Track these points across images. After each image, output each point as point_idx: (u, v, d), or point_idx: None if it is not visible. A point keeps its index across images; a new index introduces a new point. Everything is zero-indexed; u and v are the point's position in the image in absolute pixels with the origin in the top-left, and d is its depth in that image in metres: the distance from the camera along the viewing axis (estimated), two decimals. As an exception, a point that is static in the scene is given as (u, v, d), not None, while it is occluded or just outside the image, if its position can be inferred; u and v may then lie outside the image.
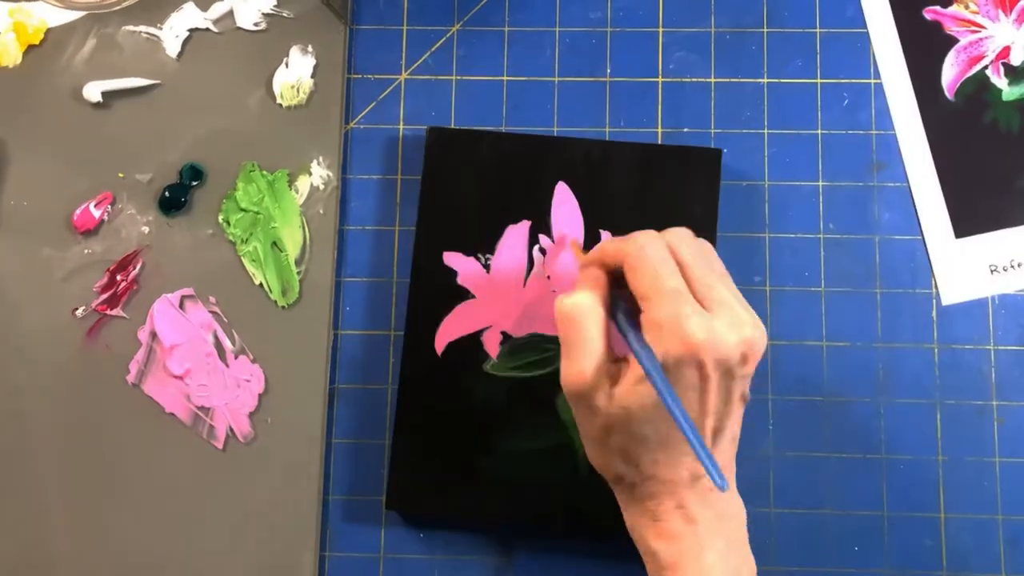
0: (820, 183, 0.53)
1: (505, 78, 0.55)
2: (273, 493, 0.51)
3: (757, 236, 0.52)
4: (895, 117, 0.53)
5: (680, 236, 0.42)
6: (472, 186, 0.52)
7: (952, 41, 0.53)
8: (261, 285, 0.53)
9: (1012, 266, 0.51)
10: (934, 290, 0.52)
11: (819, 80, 0.54)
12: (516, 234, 0.51)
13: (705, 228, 0.50)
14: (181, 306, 0.53)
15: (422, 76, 0.55)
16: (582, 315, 0.40)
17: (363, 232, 0.54)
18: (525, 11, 0.55)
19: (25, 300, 0.53)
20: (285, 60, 0.55)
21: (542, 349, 0.50)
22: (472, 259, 0.51)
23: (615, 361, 0.41)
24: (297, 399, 0.52)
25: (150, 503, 0.51)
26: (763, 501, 0.50)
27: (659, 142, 0.53)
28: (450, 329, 0.50)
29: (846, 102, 0.53)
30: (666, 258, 0.40)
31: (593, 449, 0.42)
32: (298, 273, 0.53)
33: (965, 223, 0.52)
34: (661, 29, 0.55)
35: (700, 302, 0.39)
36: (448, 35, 0.55)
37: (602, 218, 0.51)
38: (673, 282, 0.39)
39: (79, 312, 0.53)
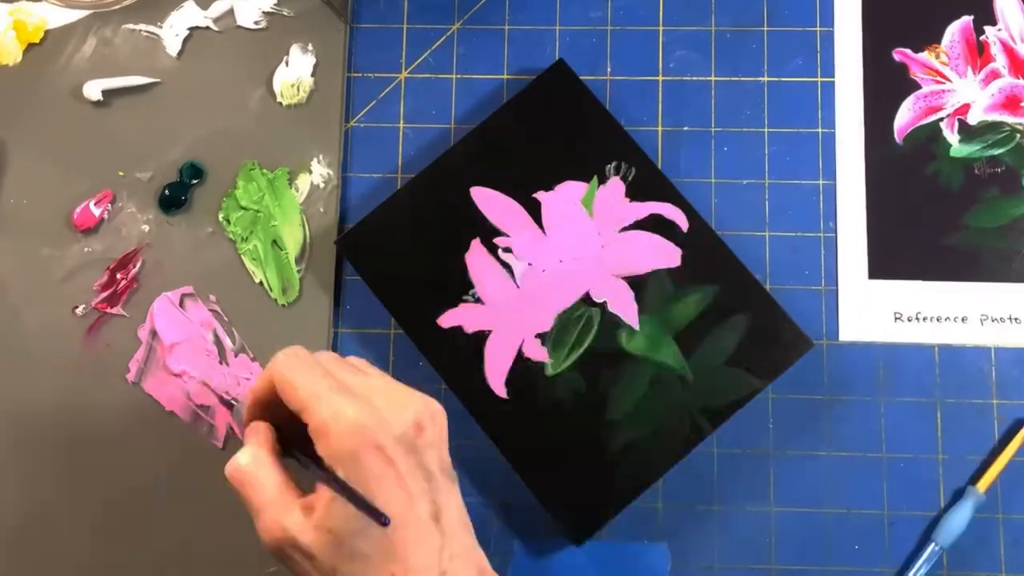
0: (820, 182, 0.53)
1: (505, 76, 0.55)
2: (273, 492, 0.51)
3: (757, 235, 0.52)
4: (839, 144, 0.53)
5: (304, 351, 0.40)
6: (409, 251, 0.51)
7: (914, 87, 0.53)
8: (261, 283, 0.53)
9: (917, 318, 0.51)
10: (934, 289, 0.52)
11: (819, 79, 0.54)
12: (476, 258, 0.51)
13: (603, 125, 0.52)
14: (181, 304, 0.53)
15: (422, 75, 0.55)
16: (249, 473, 0.39)
17: (363, 231, 0.54)
18: (525, 10, 0.55)
19: (25, 299, 0.53)
20: (285, 59, 0.55)
21: (576, 319, 0.50)
22: (464, 306, 0.51)
23: (305, 496, 0.38)
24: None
25: (150, 502, 0.51)
26: (763, 500, 0.50)
27: (659, 140, 0.53)
28: (495, 369, 0.50)
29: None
30: (311, 363, 0.39)
31: None
32: (298, 271, 0.53)
33: (881, 266, 0.52)
34: (661, 28, 0.55)
35: (355, 397, 0.38)
36: (448, 34, 0.55)
37: (526, 184, 0.51)
38: (322, 384, 0.38)
39: (79, 311, 0.53)
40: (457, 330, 0.51)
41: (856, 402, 0.51)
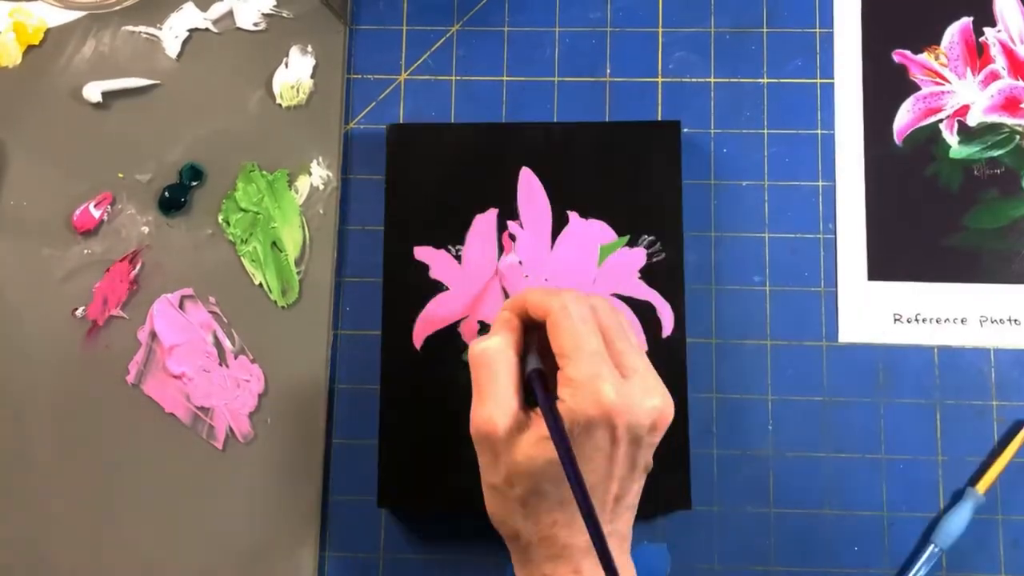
0: (820, 183, 0.53)
1: (505, 78, 0.55)
2: (273, 493, 0.51)
3: (757, 236, 0.52)
4: (839, 146, 0.53)
5: (601, 302, 0.42)
6: (436, 179, 0.52)
7: (913, 88, 0.53)
8: (261, 285, 0.53)
9: (916, 319, 0.51)
10: (934, 290, 0.52)
11: (819, 80, 0.54)
12: (484, 223, 0.51)
13: (669, 202, 0.51)
14: (181, 306, 0.53)
15: (422, 76, 0.55)
16: (494, 360, 0.40)
17: (363, 232, 0.54)
18: (525, 11, 0.55)
19: (25, 300, 0.53)
20: (285, 60, 0.55)
21: None
22: (443, 251, 0.51)
23: (525, 410, 0.40)
24: (297, 399, 0.52)
25: (149, 503, 0.51)
26: (763, 501, 0.50)
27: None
28: (427, 323, 0.51)
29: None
30: (588, 319, 0.40)
31: (493, 499, 0.41)
32: (298, 273, 0.53)
33: (880, 268, 0.52)
34: (661, 29, 0.55)
35: (616, 367, 0.39)
36: (448, 35, 0.55)
37: (568, 199, 0.51)
38: (594, 343, 0.39)
39: (79, 312, 0.53)
40: (422, 267, 0.51)
41: (856, 403, 0.51)
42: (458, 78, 0.55)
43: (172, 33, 0.55)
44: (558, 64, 0.55)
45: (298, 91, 0.54)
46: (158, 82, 0.55)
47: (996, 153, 0.52)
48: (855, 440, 0.51)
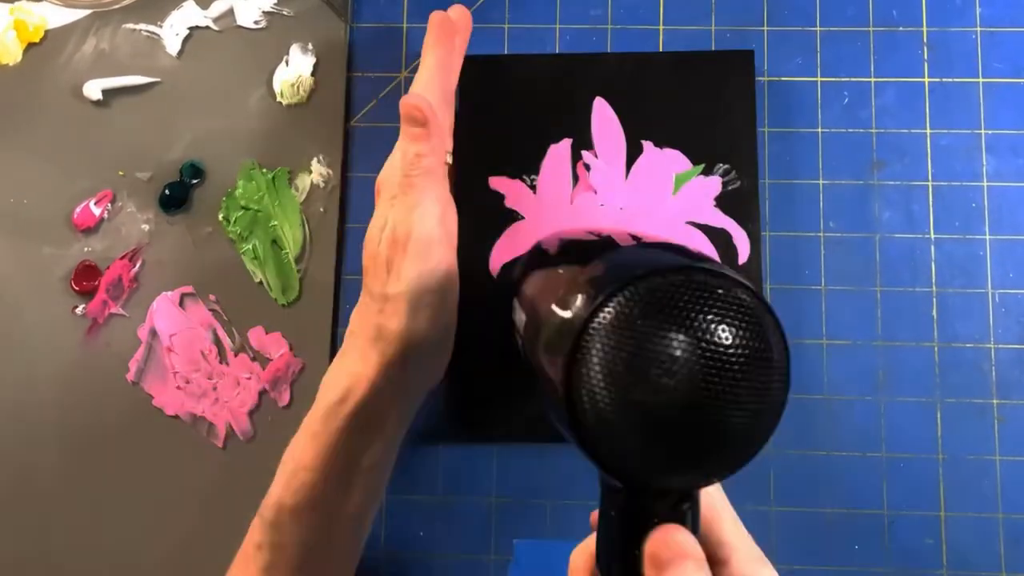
0: (820, 181, 0.53)
1: (505, 76, 0.54)
2: (273, 491, 0.51)
3: (757, 236, 0.52)
4: None
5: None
6: (510, 110, 0.52)
7: None
8: (261, 283, 0.53)
9: None
10: (934, 288, 0.52)
11: (819, 78, 0.54)
12: (558, 153, 0.52)
13: (744, 128, 0.51)
14: (181, 304, 0.53)
15: (422, 74, 0.55)
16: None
17: (364, 230, 0.53)
18: (525, 8, 0.55)
19: (25, 299, 0.53)
20: (285, 58, 0.55)
21: None
22: (518, 181, 0.52)
23: None
24: (297, 397, 0.52)
25: (150, 501, 0.51)
26: (763, 500, 0.50)
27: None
28: (503, 251, 0.51)
29: (846, 100, 0.53)
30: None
31: None
32: (298, 271, 0.53)
33: None
34: (662, 27, 0.55)
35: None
36: (448, 33, 0.55)
37: (642, 129, 0.52)
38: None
39: (79, 310, 0.53)
40: (497, 196, 0.51)
41: (856, 402, 0.51)
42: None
43: (173, 31, 0.55)
44: (559, 62, 0.54)
45: (299, 89, 0.54)
46: (159, 80, 0.55)
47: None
48: (855, 439, 0.51)
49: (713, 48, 0.54)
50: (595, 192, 0.51)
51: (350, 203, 0.54)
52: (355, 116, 0.55)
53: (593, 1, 0.55)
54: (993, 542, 0.50)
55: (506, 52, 0.55)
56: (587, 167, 0.51)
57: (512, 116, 0.52)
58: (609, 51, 0.54)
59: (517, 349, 0.43)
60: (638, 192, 0.51)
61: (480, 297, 0.50)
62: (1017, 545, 0.49)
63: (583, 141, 0.52)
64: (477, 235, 0.51)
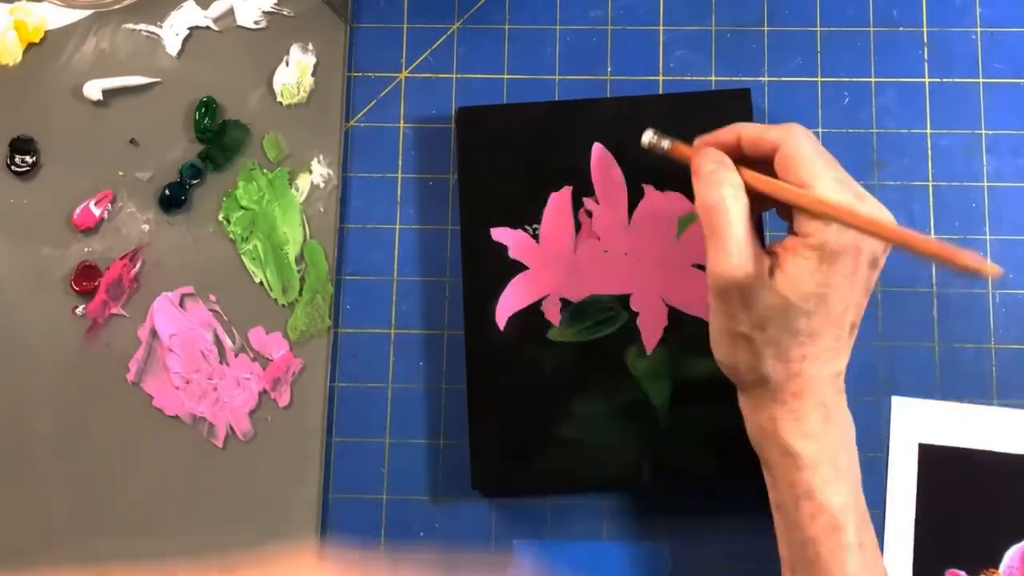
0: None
1: (505, 76, 0.55)
2: (273, 492, 0.51)
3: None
4: None
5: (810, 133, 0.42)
6: (509, 159, 0.52)
7: None
8: (261, 283, 0.53)
9: None
10: (934, 288, 0.52)
11: (819, 79, 0.54)
12: (559, 200, 0.51)
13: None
14: (181, 304, 0.53)
15: (422, 74, 0.55)
16: (730, 205, 0.39)
17: (363, 230, 0.54)
18: (525, 9, 0.55)
19: (25, 299, 0.53)
20: (285, 58, 0.55)
21: (604, 309, 0.50)
22: (520, 231, 0.51)
23: (763, 250, 0.40)
24: (297, 397, 0.52)
25: (150, 501, 0.51)
26: (763, 500, 0.50)
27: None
28: (509, 302, 0.51)
29: (847, 100, 0.53)
30: (820, 148, 0.40)
31: (736, 348, 0.40)
32: (298, 271, 0.53)
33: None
34: (662, 27, 0.55)
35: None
36: (448, 33, 0.55)
37: (642, 172, 0.51)
38: (833, 171, 0.39)
39: (79, 310, 0.53)
40: (500, 247, 0.51)
41: (856, 401, 0.51)
42: (459, 76, 0.55)
43: (173, 31, 0.55)
44: (559, 62, 0.54)
45: (299, 89, 0.54)
46: (159, 80, 0.55)
47: None
48: (856, 438, 0.50)
49: (713, 47, 0.54)
50: (598, 239, 0.51)
51: (350, 203, 0.54)
52: (355, 116, 0.55)
53: (593, 2, 0.55)
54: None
55: (506, 53, 0.55)
56: (589, 214, 0.51)
57: (511, 165, 0.52)
58: (608, 94, 0.54)
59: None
60: (642, 237, 0.51)
61: (489, 349, 0.50)
62: (1017, 545, 0.49)
63: (584, 188, 0.51)
64: (482, 289, 0.51)
